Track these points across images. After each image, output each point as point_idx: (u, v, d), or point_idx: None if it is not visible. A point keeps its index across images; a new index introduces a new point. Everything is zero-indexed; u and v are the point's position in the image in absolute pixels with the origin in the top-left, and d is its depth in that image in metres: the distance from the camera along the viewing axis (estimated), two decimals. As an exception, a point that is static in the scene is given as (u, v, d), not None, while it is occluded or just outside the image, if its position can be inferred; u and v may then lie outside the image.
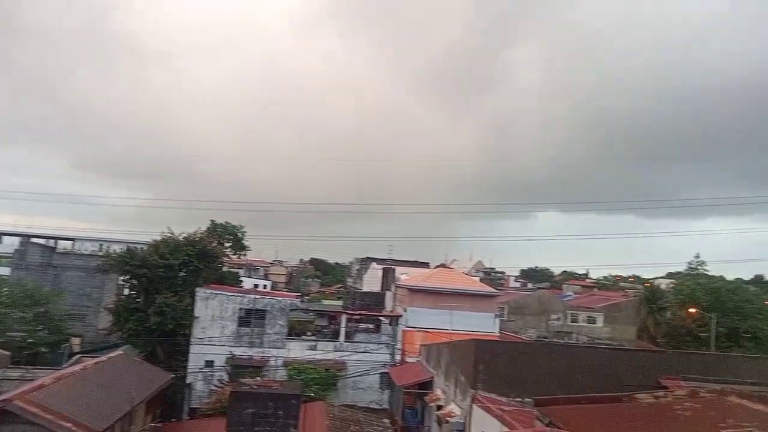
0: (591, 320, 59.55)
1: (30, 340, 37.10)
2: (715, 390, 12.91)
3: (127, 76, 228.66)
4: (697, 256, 68.87)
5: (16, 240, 62.40)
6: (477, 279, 57.80)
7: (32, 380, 24.33)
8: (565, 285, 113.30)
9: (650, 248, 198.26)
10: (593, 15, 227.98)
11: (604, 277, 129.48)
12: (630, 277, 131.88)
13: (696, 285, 55.74)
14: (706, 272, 65.07)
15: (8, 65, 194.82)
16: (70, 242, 69.03)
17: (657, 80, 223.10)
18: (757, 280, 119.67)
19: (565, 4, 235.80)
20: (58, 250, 57.03)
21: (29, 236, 61.75)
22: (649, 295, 63.04)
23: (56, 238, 66.89)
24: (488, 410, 16.76)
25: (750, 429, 9.85)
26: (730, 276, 67.82)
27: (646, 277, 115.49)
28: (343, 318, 36.50)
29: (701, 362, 21.01)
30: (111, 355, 28.60)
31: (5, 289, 40.08)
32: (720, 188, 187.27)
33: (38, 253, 52.51)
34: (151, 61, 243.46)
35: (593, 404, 12.89)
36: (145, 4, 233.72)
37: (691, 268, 68.95)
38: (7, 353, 29.13)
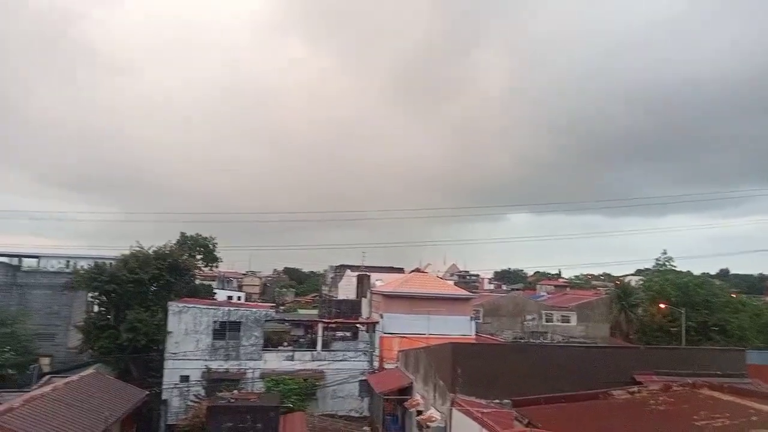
0: (565, 319, 60.39)
1: (-4, 363, 35.95)
2: (687, 383, 13.22)
3: (87, 87, 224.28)
4: (664, 252, 70.58)
5: (-22, 259, 60.58)
6: (451, 282, 58.14)
7: (0, 403, 23.59)
8: (538, 285, 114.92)
9: (619, 246, 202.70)
10: (553, 19, 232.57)
11: (576, 276, 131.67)
12: (601, 275, 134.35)
13: (665, 281, 57.06)
14: (673, 268, 66.70)
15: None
16: (35, 260, 67.15)
17: (616, 82, 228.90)
18: (723, 274, 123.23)
19: (525, 8, 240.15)
20: (22, 269, 55.37)
21: (-8, 255, 59.92)
22: (620, 293, 64.25)
23: (20, 256, 64.94)
24: (468, 413, 16.84)
25: (722, 420, 10.12)
26: (696, 271, 69.60)
27: (616, 274, 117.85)
28: (320, 327, 36.29)
29: (673, 356, 21.47)
30: (82, 374, 27.92)
31: (-32, 310, 38.82)
32: (676, 186, 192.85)
33: (2, 272, 50.96)
34: (112, 72, 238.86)
35: (570, 402, 13.07)
36: (104, 14, 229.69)
37: (659, 264, 70.59)
38: (-27, 377, 28.19)
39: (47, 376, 36.28)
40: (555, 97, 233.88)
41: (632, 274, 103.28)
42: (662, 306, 52.60)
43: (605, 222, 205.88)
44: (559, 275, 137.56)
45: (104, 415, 20.81)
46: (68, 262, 65.73)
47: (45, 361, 43.22)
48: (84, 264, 50.97)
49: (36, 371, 39.59)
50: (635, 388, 13.68)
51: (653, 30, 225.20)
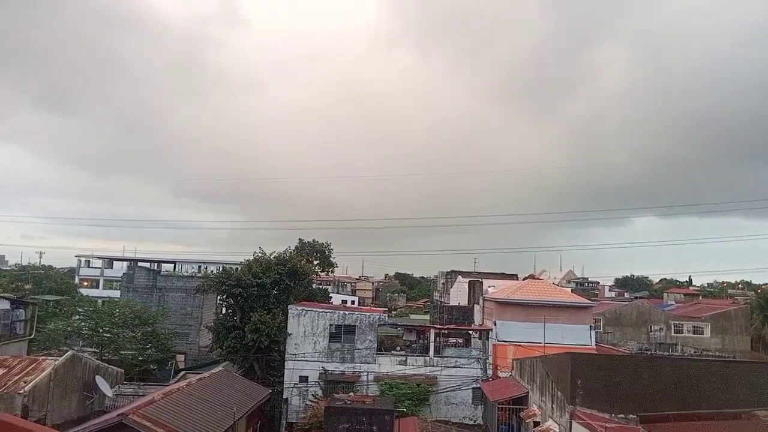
0: (697, 331, 55.62)
1: (140, 358, 39.58)
2: None
3: (216, 106, 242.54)
4: (816, 258, 62.75)
5: (125, 264, 67.48)
6: (568, 290, 55.68)
7: (144, 396, 26.04)
8: (665, 294, 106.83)
9: (759, 251, 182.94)
10: (679, 12, 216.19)
11: (708, 284, 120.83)
12: (738, 283, 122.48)
13: (817, 290, 50.87)
14: (827, 275, 59.19)
15: (111, 100, 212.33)
16: (171, 265, 73.54)
17: (750, 76, 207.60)
18: None
19: (649, 1, 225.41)
20: (161, 273, 60.72)
21: (136, 261, 66.54)
22: (762, 302, 58.20)
23: (159, 262, 71.43)
24: (589, 427, 16.02)
25: None
26: None
27: (756, 282, 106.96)
28: (432, 332, 36.27)
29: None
30: (213, 371, 29.99)
31: (117, 310, 43.10)
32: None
33: (144, 276, 56.18)
34: (237, 91, 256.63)
35: (706, 422, 11.99)
36: (233, 37, 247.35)
37: (810, 271, 62.97)
38: (121, 370, 31.26)
39: (182, 372, 39.49)
40: (682, 93, 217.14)
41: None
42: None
43: (744, 225, 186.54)
44: (689, 283, 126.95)
45: (233, 409, 22.18)
46: (200, 267, 71.44)
47: (180, 358, 46.99)
48: (213, 269, 55.02)
49: (173, 367, 43.18)
50: (785, 410, 12.26)
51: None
